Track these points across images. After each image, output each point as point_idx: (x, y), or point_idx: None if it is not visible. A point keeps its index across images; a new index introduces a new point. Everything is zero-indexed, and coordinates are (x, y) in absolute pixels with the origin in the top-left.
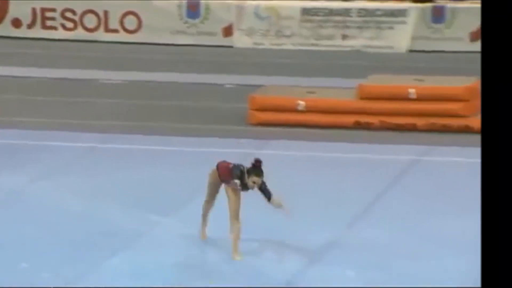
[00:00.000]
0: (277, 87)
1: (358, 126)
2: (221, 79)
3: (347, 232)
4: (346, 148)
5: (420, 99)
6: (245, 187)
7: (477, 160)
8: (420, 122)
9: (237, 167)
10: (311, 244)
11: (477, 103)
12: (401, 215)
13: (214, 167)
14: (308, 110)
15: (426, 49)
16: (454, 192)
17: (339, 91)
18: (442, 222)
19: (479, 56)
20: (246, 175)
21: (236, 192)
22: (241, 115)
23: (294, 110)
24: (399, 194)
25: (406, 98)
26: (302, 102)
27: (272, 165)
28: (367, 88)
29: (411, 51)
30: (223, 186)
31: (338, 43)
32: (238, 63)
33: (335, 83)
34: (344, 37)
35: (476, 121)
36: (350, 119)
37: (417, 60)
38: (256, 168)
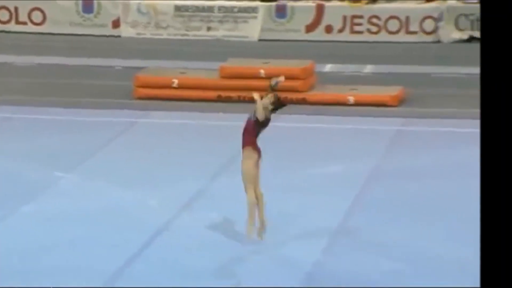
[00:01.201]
0: (156, 69)
1: (220, 99)
2: (111, 62)
3: (211, 183)
4: (211, 117)
5: (268, 77)
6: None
7: (310, 125)
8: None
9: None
10: (180, 192)
11: (311, 81)
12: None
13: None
14: (181, 86)
15: (272, 38)
16: (296, 149)
17: (205, 71)
18: (287, 172)
19: (313, 44)
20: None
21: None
22: (127, 91)
23: (170, 86)
24: None
25: (257, 77)
26: (176, 80)
27: (152, 131)
28: (227, 69)
29: (260, 40)
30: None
31: (204, 34)
32: (125, 49)
33: (202, 65)
34: (209, 28)
35: (310, 95)
36: (214, 94)
37: (265, 47)
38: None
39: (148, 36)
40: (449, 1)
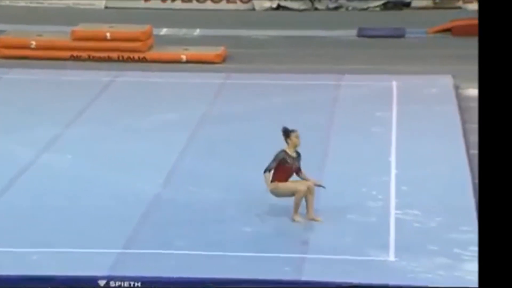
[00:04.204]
0: (17, 32)
1: (73, 58)
2: None
3: (66, 129)
4: (64, 73)
5: (113, 39)
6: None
7: (150, 79)
8: (113, 55)
9: (277, 154)
10: (40, 137)
11: (150, 42)
12: (107, 115)
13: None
14: (38, 47)
15: (116, 6)
16: (138, 99)
17: (59, 34)
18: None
19: (151, 11)
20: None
21: None
22: None
23: (28, 47)
24: (103, 102)
25: (104, 39)
26: (33, 42)
27: (14, 86)
28: (78, 32)
29: (106, 8)
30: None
31: (57, 2)
32: None
33: (56, 29)
34: None
35: (149, 55)
36: (67, 54)
37: (110, 14)
38: (286, 132)
39: (8, 3)
40: None
